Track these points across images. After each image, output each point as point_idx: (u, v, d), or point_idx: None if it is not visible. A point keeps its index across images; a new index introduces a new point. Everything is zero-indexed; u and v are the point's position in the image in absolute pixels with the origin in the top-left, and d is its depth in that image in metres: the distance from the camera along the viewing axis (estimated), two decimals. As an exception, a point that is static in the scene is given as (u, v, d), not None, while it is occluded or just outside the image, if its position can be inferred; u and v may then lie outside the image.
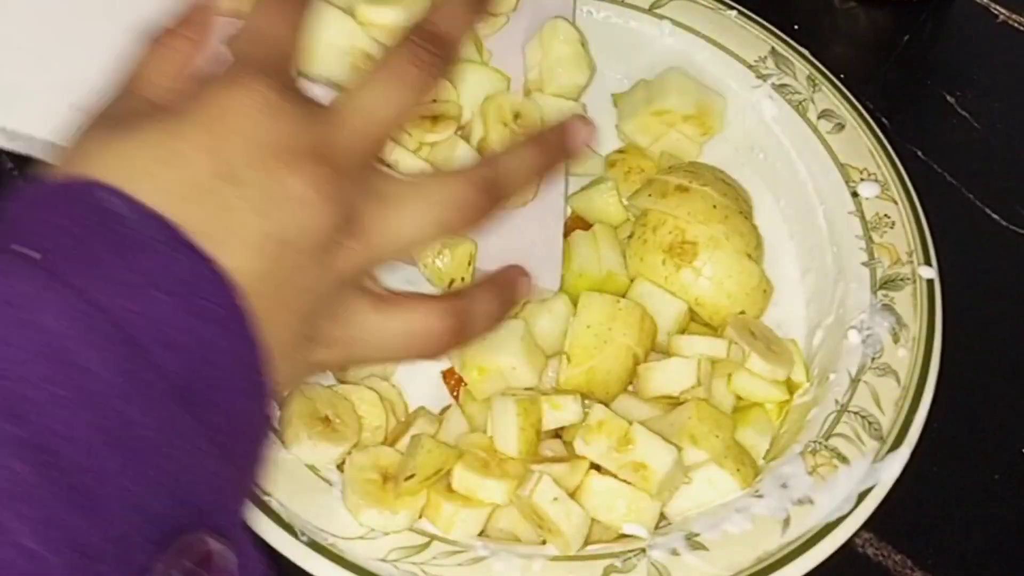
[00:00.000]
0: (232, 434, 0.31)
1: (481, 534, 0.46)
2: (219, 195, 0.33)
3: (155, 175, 0.32)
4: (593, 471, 0.46)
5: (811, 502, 0.46)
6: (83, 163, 0.33)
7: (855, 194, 0.56)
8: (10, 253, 0.29)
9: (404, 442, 0.48)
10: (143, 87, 0.37)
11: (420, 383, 0.52)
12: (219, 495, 0.30)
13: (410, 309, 0.38)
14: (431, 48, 0.39)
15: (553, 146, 0.43)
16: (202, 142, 0.33)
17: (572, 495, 0.46)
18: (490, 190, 0.39)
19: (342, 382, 0.51)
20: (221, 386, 0.31)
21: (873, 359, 0.51)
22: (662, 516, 0.48)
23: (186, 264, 0.31)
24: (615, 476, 0.46)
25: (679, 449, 0.47)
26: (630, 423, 0.47)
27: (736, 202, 0.55)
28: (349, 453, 0.47)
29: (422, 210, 0.37)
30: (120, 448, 0.27)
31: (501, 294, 0.42)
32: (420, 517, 0.45)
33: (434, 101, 0.51)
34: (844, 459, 0.47)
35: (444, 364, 0.52)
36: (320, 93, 0.38)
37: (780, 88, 0.60)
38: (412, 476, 0.45)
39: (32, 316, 0.28)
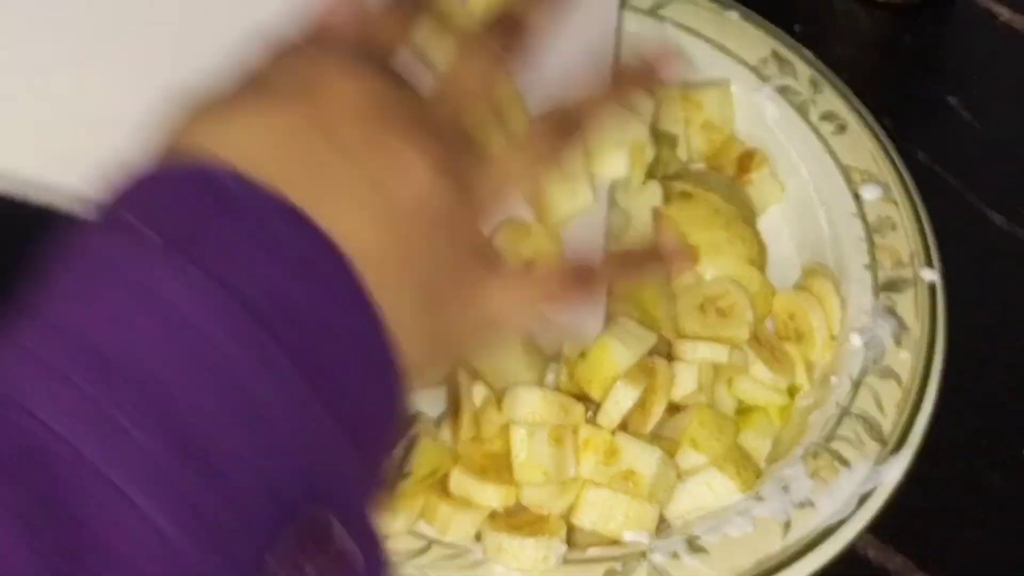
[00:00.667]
0: (359, 417, 0.31)
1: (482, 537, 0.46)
2: (332, 168, 0.33)
3: (265, 149, 0.32)
4: (588, 484, 0.46)
5: (812, 505, 0.46)
6: (190, 140, 0.32)
7: (857, 196, 0.56)
8: (131, 230, 0.29)
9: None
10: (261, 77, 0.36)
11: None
12: (345, 479, 0.30)
13: (531, 278, 0.38)
14: (512, 35, 0.40)
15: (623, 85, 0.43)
16: (312, 116, 0.33)
17: (568, 512, 0.46)
18: (565, 131, 0.40)
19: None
20: (345, 364, 0.30)
21: (875, 362, 0.51)
22: (662, 519, 0.48)
23: (302, 239, 0.31)
24: (608, 488, 0.46)
25: (670, 448, 0.47)
26: (612, 433, 0.47)
27: (740, 208, 0.55)
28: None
29: (521, 165, 0.38)
30: (249, 424, 0.27)
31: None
32: (418, 520, 0.46)
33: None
34: (845, 462, 0.47)
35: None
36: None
37: (782, 90, 0.60)
38: (407, 475, 0.45)
39: (158, 293, 0.28)
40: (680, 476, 0.48)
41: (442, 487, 0.46)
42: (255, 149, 0.32)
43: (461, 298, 0.36)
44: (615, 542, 0.46)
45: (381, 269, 0.32)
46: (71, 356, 0.27)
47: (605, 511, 0.46)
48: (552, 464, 0.45)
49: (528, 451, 0.45)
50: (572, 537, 0.47)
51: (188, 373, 0.27)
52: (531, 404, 0.47)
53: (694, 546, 0.45)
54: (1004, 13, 0.72)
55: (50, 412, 0.26)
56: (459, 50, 0.39)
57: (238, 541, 0.26)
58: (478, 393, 0.48)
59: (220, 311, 0.28)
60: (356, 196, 0.32)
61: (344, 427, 0.30)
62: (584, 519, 0.46)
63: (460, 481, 0.46)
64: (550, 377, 0.51)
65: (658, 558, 0.44)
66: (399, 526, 0.44)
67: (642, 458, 0.46)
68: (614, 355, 0.48)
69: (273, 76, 0.35)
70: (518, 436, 0.46)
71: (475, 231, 0.36)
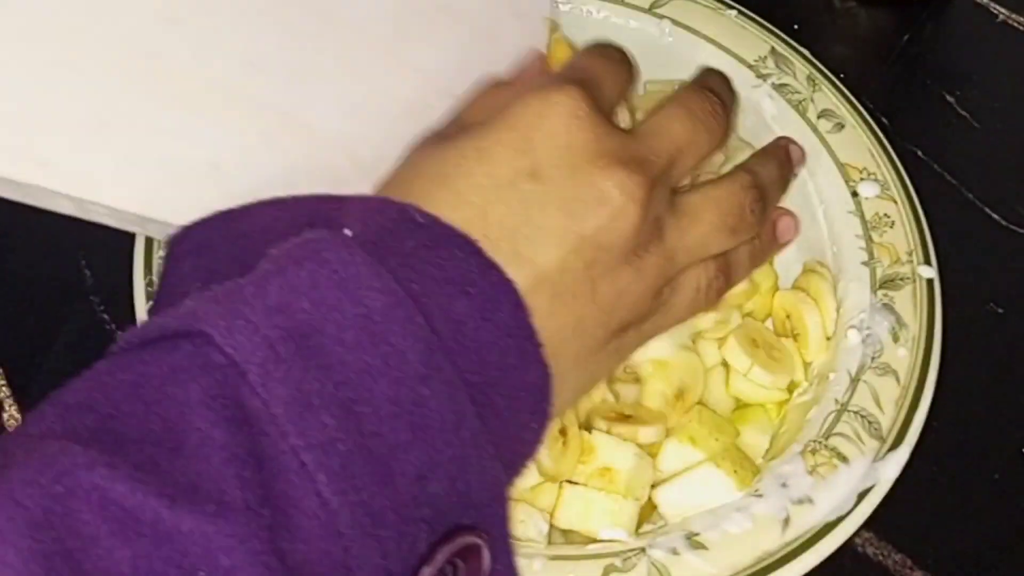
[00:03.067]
0: (513, 452, 0.32)
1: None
2: (524, 191, 0.34)
3: (464, 175, 0.34)
4: (565, 483, 0.47)
5: (811, 501, 0.46)
6: (403, 171, 0.36)
7: (855, 193, 0.56)
8: (336, 234, 0.32)
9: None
10: (469, 116, 0.39)
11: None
12: (493, 496, 0.31)
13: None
14: (718, 99, 0.43)
15: (784, 158, 0.49)
16: (509, 140, 0.35)
17: (552, 511, 0.47)
18: (762, 194, 0.43)
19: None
20: (507, 396, 0.32)
21: (873, 358, 0.51)
22: (660, 516, 0.48)
23: (485, 280, 0.33)
24: (585, 486, 0.47)
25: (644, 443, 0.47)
26: (590, 431, 0.47)
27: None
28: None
29: (715, 222, 0.40)
30: (413, 425, 0.29)
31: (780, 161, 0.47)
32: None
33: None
34: (844, 458, 0.47)
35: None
36: None
37: (780, 88, 0.60)
38: None
39: (352, 286, 0.29)
40: (659, 469, 0.48)
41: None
42: (452, 172, 0.35)
43: (631, 330, 0.38)
44: (595, 541, 0.46)
45: (565, 288, 0.34)
46: (277, 325, 0.28)
47: (582, 509, 0.46)
48: None
49: None
50: (571, 535, 0.47)
51: (374, 374, 0.28)
52: None
53: (693, 542, 0.45)
54: (1002, 12, 0.72)
55: (263, 381, 0.27)
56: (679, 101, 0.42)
57: (394, 533, 0.27)
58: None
59: (403, 315, 0.29)
60: (545, 218, 0.34)
61: (502, 459, 0.31)
62: (561, 518, 0.46)
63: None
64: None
65: (658, 554, 0.44)
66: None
67: (619, 454, 0.46)
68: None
69: (487, 115, 0.37)
70: None
71: (660, 271, 0.38)
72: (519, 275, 0.33)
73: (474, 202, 0.34)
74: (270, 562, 0.25)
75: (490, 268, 0.33)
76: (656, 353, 0.48)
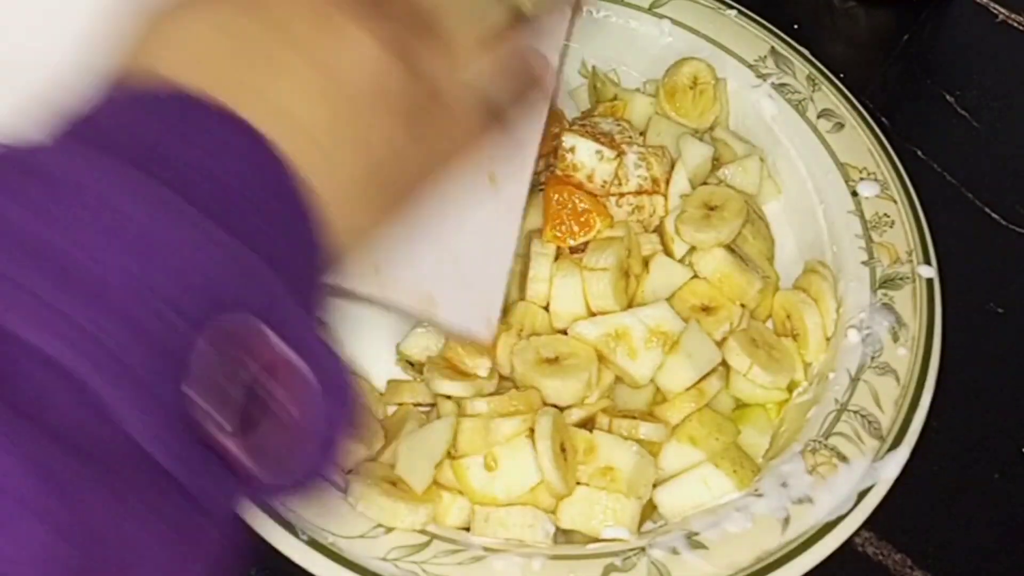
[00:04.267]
0: (276, 247, 0.31)
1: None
2: (279, 57, 0.34)
3: (217, 51, 0.33)
4: None
5: (811, 501, 0.46)
6: (146, 47, 0.34)
7: (855, 193, 0.56)
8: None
9: (394, 443, 0.48)
10: None
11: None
12: (270, 294, 0.29)
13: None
14: None
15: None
16: (264, 17, 0.34)
17: (554, 511, 0.47)
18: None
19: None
20: (253, 201, 0.31)
21: (873, 358, 0.51)
22: (660, 516, 0.48)
23: (223, 127, 0.32)
24: (587, 485, 0.47)
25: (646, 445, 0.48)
26: (591, 431, 0.47)
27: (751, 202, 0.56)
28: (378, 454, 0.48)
29: (471, 39, 0.38)
30: (129, 247, 0.27)
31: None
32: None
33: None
34: (844, 458, 0.47)
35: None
36: None
37: (780, 87, 0.60)
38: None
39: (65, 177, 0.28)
40: (660, 467, 0.48)
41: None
42: (208, 52, 0.33)
43: (412, 169, 0.37)
44: (597, 540, 0.46)
45: (315, 138, 0.33)
46: None
47: (585, 508, 0.46)
48: (504, 484, 0.46)
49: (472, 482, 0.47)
50: (571, 536, 0.47)
51: (76, 226, 0.27)
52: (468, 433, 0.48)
53: (693, 542, 0.45)
54: (1002, 12, 0.72)
55: None
56: None
57: (135, 346, 0.26)
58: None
59: (127, 180, 0.28)
60: (298, 78, 0.34)
61: (259, 252, 0.30)
62: (564, 517, 0.47)
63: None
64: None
65: (657, 554, 0.44)
66: (413, 520, 0.45)
67: (620, 454, 0.47)
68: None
69: None
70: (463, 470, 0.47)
71: (426, 104, 0.37)
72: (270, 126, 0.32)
73: (212, 67, 0.33)
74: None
75: (230, 119, 0.32)
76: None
